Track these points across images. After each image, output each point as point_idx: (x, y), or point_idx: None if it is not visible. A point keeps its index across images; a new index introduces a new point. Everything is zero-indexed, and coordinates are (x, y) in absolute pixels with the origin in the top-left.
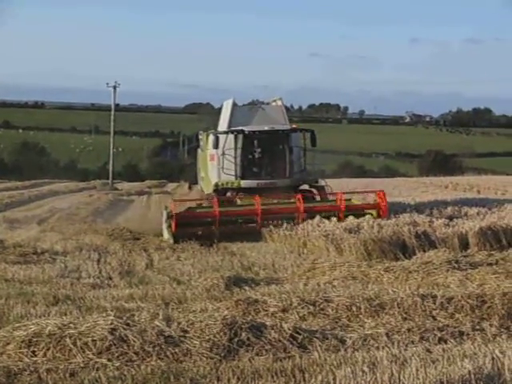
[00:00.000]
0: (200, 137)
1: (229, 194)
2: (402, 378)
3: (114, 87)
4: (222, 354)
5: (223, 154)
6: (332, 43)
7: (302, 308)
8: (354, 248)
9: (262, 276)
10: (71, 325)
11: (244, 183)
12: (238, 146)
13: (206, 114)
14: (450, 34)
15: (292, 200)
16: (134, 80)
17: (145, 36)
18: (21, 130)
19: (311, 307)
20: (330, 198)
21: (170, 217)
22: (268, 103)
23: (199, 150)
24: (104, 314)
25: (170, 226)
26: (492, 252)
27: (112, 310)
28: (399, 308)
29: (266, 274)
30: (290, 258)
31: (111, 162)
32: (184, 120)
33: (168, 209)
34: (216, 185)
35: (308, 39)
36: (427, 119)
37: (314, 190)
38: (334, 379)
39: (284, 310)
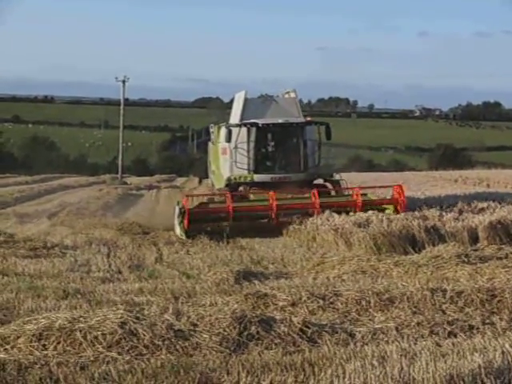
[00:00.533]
0: (211, 130)
1: (241, 188)
2: (411, 371)
3: (123, 81)
4: (232, 348)
5: (236, 147)
6: (340, 37)
7: (312, 302)
8: (363, 242)
9: (272, 270)
10: (81, 318)
11: (257, 177)
12: (251, 139)
13: (215, 108)
14: (459, 28)
15: (307, 195)
16: (143, 74)
17: (154, 30)
18: (30, 125)
19: (320, 301)
20: (346, 192)
21: (182, 212)
22: (280, 96)
23: (210, 144)
24: (114, 308)
25: (182, 222)
26: (502, 246)
27: (122, 304)
28: (409, 302)
29: (275, 268)
30: (300, 252)
31: (120, 156)
32: (193, 114)
33: (180, 204)
34: (228, 179)
35: (316, 33)
36: (437, 113)
37: (329, 185)
38: (344, 373)
39: (293, 304)
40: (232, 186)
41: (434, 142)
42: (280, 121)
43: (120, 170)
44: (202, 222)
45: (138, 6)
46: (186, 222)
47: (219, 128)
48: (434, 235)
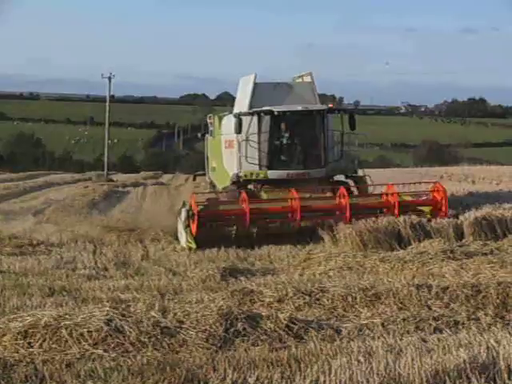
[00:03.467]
0: (209, 121)
1: (250, 186)
2: (397, 367)
3: (109, 78)
4: (218, 345)
5: (247, 139)
6: (328, 34)
7: (298, 298)
8: (349, 238)
9: (258, 267)
10: (67, 316)
11: (271, 174)
12: (264, 129)
13: (201, 105)
14: (447, 24)
15: (328, 194)
16: (130, 71)
17: (140, 27)
18: (16, 122)
19: (307, 297)
20: (371, 191)
21: (190, 215)
22: (293, 80)
23: (207, 136)
24: (100, 305)
25: (188, 227)
26: (487, 242)
27: (108, 301)
28: (394, 298)
29: (261, 265)
30: (286, 249)
31: (106, 153)
32: (179, 111)
33: (187, 205)
34: (236, 176)
35: (304, 30)
36: (422, 109)
37: (351, 182)
38: (330, 369)
39: (280, 301)
40: (240, 184)
41: (419, 139)
42: (299, 108)
43: (106, 166)
44: (211, 227)
45: (125, 2)
46: (194, 226)
47: (220, 118)
48: (420, 231)
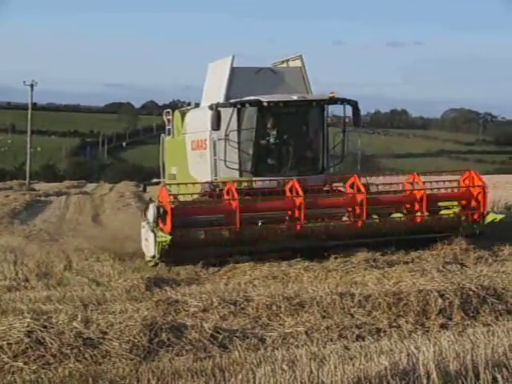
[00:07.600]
0: (166, 117)
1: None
2: (320, 375)
3: (31, 85)
4: (142, 355)
5: (226, 137)
6: (256, 44)
7: (223, 308)
8: None
9: (183, 276)
10: None
11: (258, 182)
12: (248, 125)
13: (126, 113)
14: (372, 37)
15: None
16: (52, 79)
17: (63, 35)
18: None
19: (232, 307)
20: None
21: (161, 213)
22: (276, 65)
23: (163, 136)
24: (20, 317)
25: (157, 229)
26: (408, 251)
27: (29, 313)
28: (318, 306)
29: (186, 275)
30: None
31: (28, 161)
32: (104, 119)
33: (155, 201)
34: (210, 185)
35: (233, 40)
36: (346, 120)
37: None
38: (254, 378)
39: (204, 310)
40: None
41: None
42: (294, 97)
43: (28, 175)
44: (190, 228)
45: (48, 10)
46: (168, 226)
47: (183, 114)
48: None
